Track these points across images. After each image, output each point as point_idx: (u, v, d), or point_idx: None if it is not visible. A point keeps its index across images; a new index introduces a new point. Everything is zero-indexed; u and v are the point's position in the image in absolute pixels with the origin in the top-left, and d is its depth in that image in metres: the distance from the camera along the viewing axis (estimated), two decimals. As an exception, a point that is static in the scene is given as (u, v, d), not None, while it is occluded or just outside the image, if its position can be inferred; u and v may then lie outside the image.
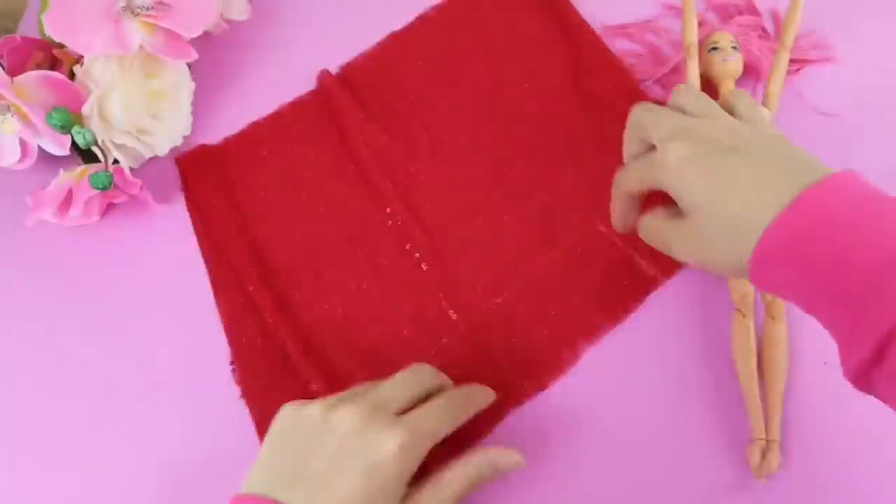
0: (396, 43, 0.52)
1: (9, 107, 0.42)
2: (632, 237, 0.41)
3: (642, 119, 0.35)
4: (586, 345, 0.41)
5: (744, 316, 0.40)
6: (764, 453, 0.37)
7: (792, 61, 0.48)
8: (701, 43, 0.48)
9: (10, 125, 0.42)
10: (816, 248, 0.27)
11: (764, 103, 0.46)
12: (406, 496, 0.31)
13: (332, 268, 0.44)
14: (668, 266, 0.43)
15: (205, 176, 0.48)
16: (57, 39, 0.43)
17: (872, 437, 0.38)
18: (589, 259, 0.43)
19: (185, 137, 0.49)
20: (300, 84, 0.50)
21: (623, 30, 0.52)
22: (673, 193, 0.33)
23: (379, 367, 0.40)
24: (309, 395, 0.40)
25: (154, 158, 0.48)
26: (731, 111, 0.36)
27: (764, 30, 0.51)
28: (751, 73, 0.49)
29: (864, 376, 0.27)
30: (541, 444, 0.39)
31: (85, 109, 0.43)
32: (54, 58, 0.45)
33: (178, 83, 0.48)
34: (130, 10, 0.43)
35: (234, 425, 0.40)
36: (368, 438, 0.31)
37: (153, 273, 0.45)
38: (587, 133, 0.47)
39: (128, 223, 0.46)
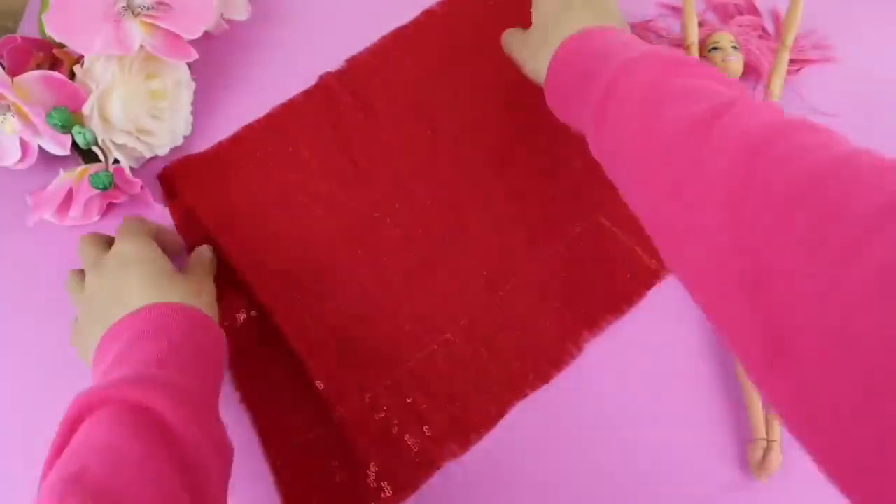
0: (401, 37, 0.52)
1: (9, 106, 0.42)
2: (634, 230, 0.42)
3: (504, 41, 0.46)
4: (590, 337, 0.41)
5: (744, 316, 0.40)
6: (764, 453, 0.37)
7: (792, 61, 0.49)
8: (701, 43, 0.48)
9: (10, 125, 0.42)
10: (569, 70, 0.37)
11: (764, 103, 0.46)
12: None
13: (335, 266, 0.44)
14: None
15: (193, 184, 0.47)
16: (57, 39, 0.43)
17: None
18: (591, 252, 0.44)
19: (185, 137, 0.49)
20: (300, 84, 0.50)
21: (623, 30, 0.52)
22: (532, 14, 0.42)
23: (383, 362, 0.41)
24: (312, 395, 0.40)
25: (154, 158, 0.48)
26: None
27: (764, 30, 0.51)
28: (751, 73, 0.49)
29: (600, 112, 0.33)
30: (542, 439, 0.39)
31: (85, 109, 0.43)
32: (54, 58, 0.45)
33: (178, 83, 0.48)
34: (130, 10, 0.43)
35: (234, 425, 0.40)
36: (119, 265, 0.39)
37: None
38: None
39: (128, 223, 0.46)
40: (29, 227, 0.43)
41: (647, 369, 0.41)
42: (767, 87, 0.47)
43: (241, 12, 0.51)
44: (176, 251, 0.43)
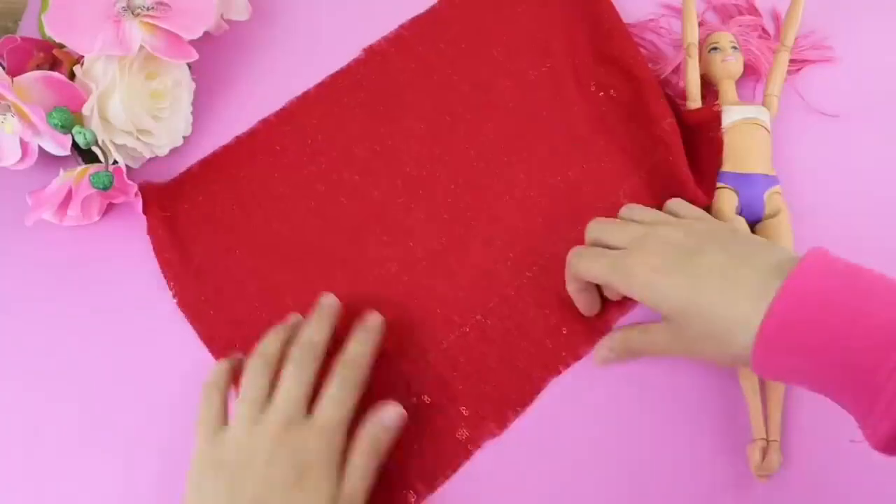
0: (418, 25, 0.52)
1: (9, 107, 0.42)
2: (656, 209, 0.43)
3: (578, 268, 0.38)
4: (618, 316, 0.42)
5: (744, 316, 0.40)
6: (764, 453, 0.37)
7: (792, 61, 0.49)
8: (701, 43, 0.48)
9: (10, 125, 0.42)
10: (818, 332, 0.28)
11: (764, 103, 0.46)
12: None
13: (361, 253, 0.45)
14: None
15: (201, 188, 0.47)
16: (57, 40, 0.43)
17: (872, 437, 0.38)
18: None
19: (185, 137, 0.49)
20: (300, 84, 0.50)
21: (623, 30, 0.52)
22: (648, 303, 0.35)
23: (416, 346, 0.42)
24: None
25: (154, 158, 0.48)
26: (675, 215, 0.39)
27: (764, 30, 0.51)
28: (751, 73, 0.49)
29: (892, 444, 0.27)
30: (539, 441, 0.39)
31: (85, 110, 0.43)
32: (54, 58, 0.45)
33: (178, 83, 0.48)
34: (130, 10, 0.43)
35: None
36: (290, 453, 0.33)
37: (154, 273, 0.45)
38: (609, 110, 0.48)
39: (128, 223, 0.46)
40: (28, 226, 0.43)
41: (645, 373, 0.41)
42: (767, 87, 0.47)
43: (241, 12, 0.51)
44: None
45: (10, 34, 0.46)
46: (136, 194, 0.44)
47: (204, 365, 0.42)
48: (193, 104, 0.49)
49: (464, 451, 0.39)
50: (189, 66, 0.49)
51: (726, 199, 0.43)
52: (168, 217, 0.46)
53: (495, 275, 0.44)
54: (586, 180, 0.46)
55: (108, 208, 0.47)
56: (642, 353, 0.38)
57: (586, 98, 0.49)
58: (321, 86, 0.50)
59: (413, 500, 0.38)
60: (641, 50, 0.50)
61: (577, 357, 0.41)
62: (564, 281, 0.42)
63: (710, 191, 0.44)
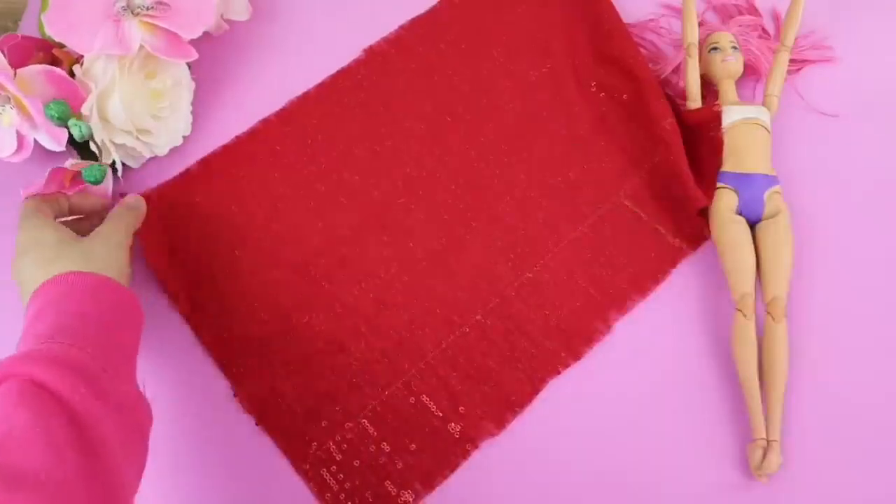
0: (418, 26, 0.52)
1: (9, 98, 0.42)
2: (656, 210, 0.44)
3: None
4: (618, 316, 0.42)
5: (744, 316, 0.40)
6: (764, 453, 0.37)
7: (792, 61, 0.49)
8: (701, 43, 0.48)
9: (8, 117, 0.42)
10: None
11: (764, 103, 0.46)
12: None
13: (361, 253, 0.45)
14: (693, 237, 0.44)
15: (204, 189, 0.47)
16: (57, 39, 0.43)
17: (872, 437, 0.38)
18: (615, 233, 0.45)
19: (184, 137, 0.49)
20: (300, 84, 0.50)
21: (623, 30, 0.52)
22: None
23: (416, 346, 0.42)
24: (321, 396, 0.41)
25: (154, 158, 0.48)
26: None
27: (764, 30, 0.51)
28: (751, 73, 0.49)
29: None
30: (537, 442, 0.39)
31: (85, 109, 0.43)
32: (54, 57, 0.45)
33: (178, 83, 0.48)
34: (130, 10, 0.43)
35: (235, 422, 0.40)
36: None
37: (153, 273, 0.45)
38: (609, 110, 0.49)
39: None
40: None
41: (645, 373, 0.41)
42: (767, 87, 0.47)
43: (241, 12, 0.51)
44: (96, 210, 0.44)
45: (11, 33, 0.46)
46: (111, 199, 0.44)
47: (203, 365, 0.42)
48: (193, 104, 0.49)
49: (462, 451, 0.39)
50: (189, 65, 0.49)
51: (726, 199, 0.43)
52: (159, 227, 0.45)
53: (495, 275, 0.44)
54: (586, 180, 0.46)
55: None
56: None
57: (587, 98, 0.49)
58: (321, 86, 0.50)
59: (411, 499, 0.38)
60: (641, 50, 0.50)
61: (577, 358, 0.41)
62: (565, 282, 0.42)
63: (710, 191, 0.44)
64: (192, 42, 0.45)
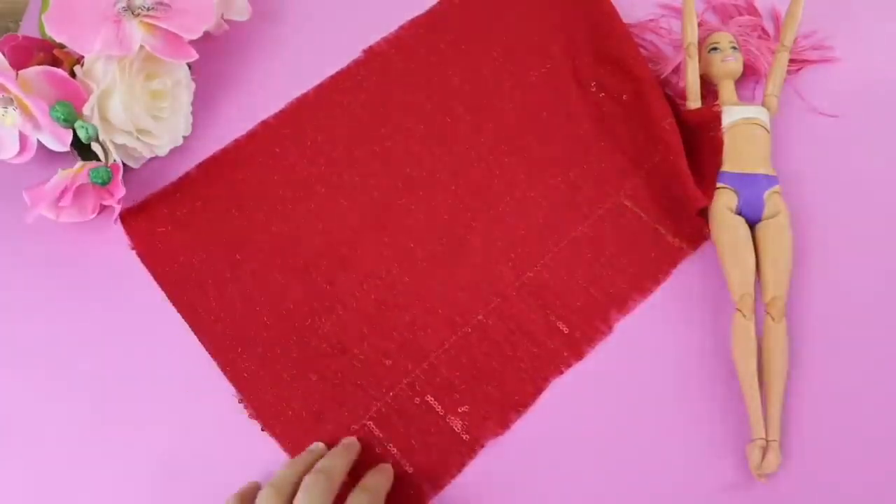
0: (418, 26, 0.53)
1: (11, 100, 0.42)
2: (656, 210, 0.44)
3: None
4: (619, 316, 0.42)
5: (744, 316, 0.40)
6: (764, 453, 0.37)
7: (792, 61, 0.49)
8: (701, 43, 0.48)
9: (11, 118, 0.42)
10: None
11: (764, 103, 0.46)
12: None
13: (361, 254, 0.45)
14: (693, 237, 0.44)
15: (205, 191, 0.47)
16: (57, 40, 0.43)
17: (872, 437, 0.38)
18: (616, 233, 0.45)
19: (185, 137, 0.49)
20: (300, 84, 0.50)
21: (623, 30, 0.52)
22: None
23: (419, 346, 0.42)
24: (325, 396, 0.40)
25: (154, 158, 0.48)
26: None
27: (764, 30, 0.51)
28: (750, 73, 0.49)
29: None
30: (541, 441, 0.39)
31: (86, 109, 0.43)
32: (55, 58, 0.45)
33: (178, 83, 0.48)
34: (130, 10, 0.43)
35: (236, 421, 0.41)
36: None
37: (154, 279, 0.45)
38: (609, 110, 0.49)
39: (128, 223, 0.46)
40: (28, 223, 0.43)
41: (646, 373, 0.41)
42: (767, 87, 0.47)
43: (241, 12, 0.51)
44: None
45: (12, 34, 0.46)
46: (118, 201, 0.44)
47: (203, 366, 0.42)
48: (193, 104, 0.49)
49: (468, 451, 0.39)
50: (189, 66, 0.49)
51: (726, 199, 0.43)
52: (160, 232, 0.45)
53: (496, 275, 0.44)
54: (586, 180, 0.46)
55: (103, 209, 0.47)
56: None
57: (587, 98, 0.49)
58: (321, 87, 0.50)
59: (419, 501, 0.38)
60: (641, 50, 0.50)
61: (579, 357, 0.41)
62: (567, 279, 0.42)
63: (709, 191, 0.44)
64: (192, 42, 0.45)
